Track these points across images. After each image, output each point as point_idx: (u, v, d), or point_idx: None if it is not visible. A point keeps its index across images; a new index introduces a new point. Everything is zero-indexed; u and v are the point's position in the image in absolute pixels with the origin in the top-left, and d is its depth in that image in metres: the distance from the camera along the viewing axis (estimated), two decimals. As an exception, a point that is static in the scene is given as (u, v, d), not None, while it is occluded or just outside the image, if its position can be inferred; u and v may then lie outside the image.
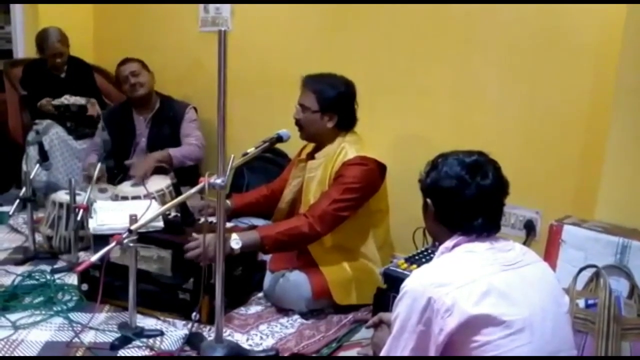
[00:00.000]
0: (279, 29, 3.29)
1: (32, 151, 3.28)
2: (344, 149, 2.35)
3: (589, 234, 1.95)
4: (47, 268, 2.60)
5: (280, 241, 2.24)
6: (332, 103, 2.36)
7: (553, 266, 1.93)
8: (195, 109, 3.41)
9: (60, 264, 2.68)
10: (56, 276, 2.52)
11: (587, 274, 1.85)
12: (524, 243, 2.43)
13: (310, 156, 2.50)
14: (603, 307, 1.72)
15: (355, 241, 2.40)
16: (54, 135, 3.40)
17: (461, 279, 1.31)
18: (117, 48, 3.97)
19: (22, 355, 1.97)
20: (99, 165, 2.78)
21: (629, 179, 2.01)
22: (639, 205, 1.99)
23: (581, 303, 1.79)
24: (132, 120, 3.35)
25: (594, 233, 1.94)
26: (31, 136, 3.37)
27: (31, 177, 2.77)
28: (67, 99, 3.48)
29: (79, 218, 2.55)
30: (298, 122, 2.43)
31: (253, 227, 2.39)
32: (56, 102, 3.47)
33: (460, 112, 2.70)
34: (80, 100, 3.52)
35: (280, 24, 3.28)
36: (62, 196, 2.77)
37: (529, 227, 2.55)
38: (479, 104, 2.64)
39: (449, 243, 1.45)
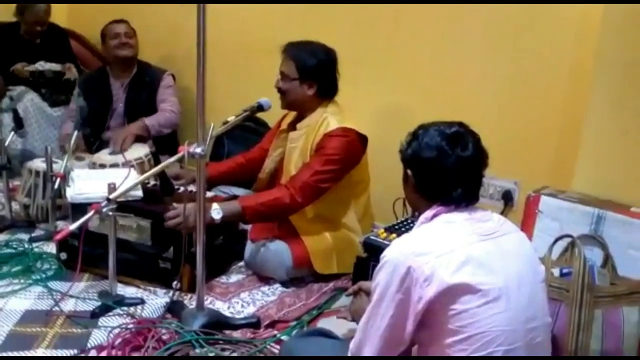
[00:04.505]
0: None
1: (7, 118, 3.20)
2: (326, 119, 2.34)
3: (565, 205, 1.98)
4: (25, 237, 2.57)
5: (261, 212, 2.24)
6: (312, 71, 2.34)
7: (530, 236, 1.97)
8: (173, 75, 3.37)
9: (37, 232, 2.65)
10: (34, 245, 2.49)
11: (563, 243, 1.89)
12: (502, 213, 2.47)
13: (292, 126, 2.48)
14: (577, 276, 1.77)
15: (337, 212, 2.42)
16: (29, 102, 3.33)
17: (440, 248, 1.33)
18: (92, 11, 3.86)
19: None
20: (75, 133, 2.73)
21: (606, 151, 2.04)
22: (614, 176, 2.02)
23: (556, 272, 1.83)
24: (108, 86, 3.30)
25: (570, 204, 1.98)
26: (5, 103, 3.29)
27: (6, 144, 2.71)
28: (42, 65, 3.40)
29: (56, 186, 2.52)
30: (279, 90, 2.41)
31: (234, 197, 2.38)
32: (30, 68, 3.39)
33: (440, 84, 2.69)
34: (55, 66, 3.44)
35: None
36: (39, 164, 2.72)
37: (507, 198, 2.59)
38: (459, 75, 2.64)
39: (428, 213, 1.46)
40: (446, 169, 1.42)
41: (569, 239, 1.88)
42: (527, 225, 2.03)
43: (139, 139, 3.09)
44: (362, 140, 2.37)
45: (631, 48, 1.94)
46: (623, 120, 1.99)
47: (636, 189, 1.97)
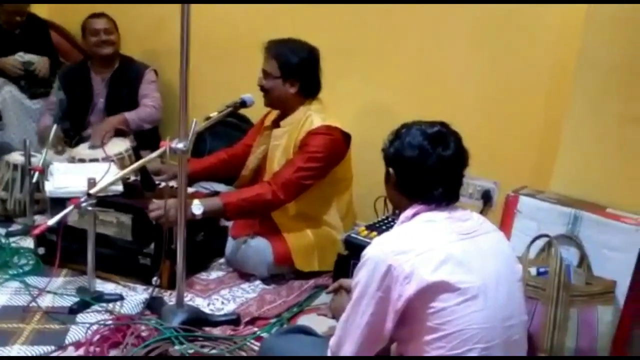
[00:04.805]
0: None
1: (-17, 111, 3.15)
2: (310, 117, 2.34)
3: (543, 205, 2.01)
4: (2, 231, 2.53)
5: (243, 208, 2.23)
6: (294, 69, 2.34)
7: (508, 235, 1.99)
8: (155, 71, 3.33)
9: (15, 227, 2.62)
10: (11, 239, 2.46)
11: (540, 243, 1.92)
12: (481, 212, 2.50)
13: (275, 124, 2.48)
14: (554, 275, 1.80)
15: (319, 209, 2.42)
16: (7, 94, 3.26)
17: (420, 247, 1.35)
18: (73, 3, 3.80)
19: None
20: (55, 126, 2.70)
21: (584, 152, 2.07)
22: (592, 177, 2.05)
23: (533, 271, 1.86)
24: (89, 80, 3.25)
25: (548, 204, 2.01)
26: (-18, 95, 3.23)
27: (-17, 137, 2.68)
28: (22, 57, 3.34)
29: (34, 180, 2.48)
30: (262, 89, 2.41)
31: (215, 193, 2.37)
32: (11, 60, 3.32)
33: (423, 83, 2.71)
34: (34, 57, 3.38)
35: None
36: (17, 157, 2.68)
37: (487, 197, 2.61)
38: (442, 75, 2.66)
39: (409, 212, 1.47)
40: (427, 168, 1.44)
41: (546, 239, 1.91)
42: (505, 225, 2.06)
43: (120, 133, 3.05)
44: (346, 138, 2.37)
45: (613, 51, 1.96)
46: (602, 123, 2.02)
47: (612, 191, 2.00)
